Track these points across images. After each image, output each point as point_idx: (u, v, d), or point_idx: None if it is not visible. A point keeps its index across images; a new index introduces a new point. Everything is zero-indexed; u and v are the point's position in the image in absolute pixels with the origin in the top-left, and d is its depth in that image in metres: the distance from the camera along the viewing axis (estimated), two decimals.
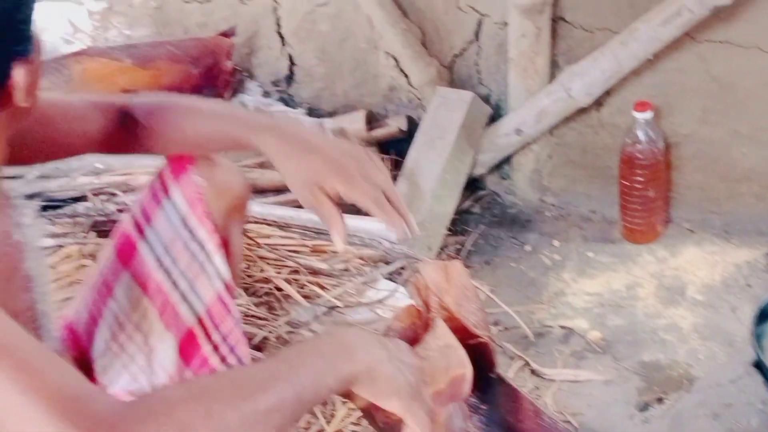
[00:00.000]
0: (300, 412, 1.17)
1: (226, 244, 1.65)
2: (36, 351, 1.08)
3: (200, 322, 1.62)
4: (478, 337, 1.92)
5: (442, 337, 1.74)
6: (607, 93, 2.78)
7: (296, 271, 2.55)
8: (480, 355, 1.93)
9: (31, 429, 1.02)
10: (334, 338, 1.25)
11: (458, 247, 2.83)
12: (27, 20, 1.21)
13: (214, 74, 3.26)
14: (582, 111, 2.83)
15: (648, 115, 2.63)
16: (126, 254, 1.61)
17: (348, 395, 1.29)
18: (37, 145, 1.53)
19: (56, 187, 2.73)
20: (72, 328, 1.71)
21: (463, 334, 1.87)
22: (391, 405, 1.25)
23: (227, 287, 1.61)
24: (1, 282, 1.26)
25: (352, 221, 2.62)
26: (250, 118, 1.58)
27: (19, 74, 1.19)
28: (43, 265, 1.44)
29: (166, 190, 1.60)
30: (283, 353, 1.25)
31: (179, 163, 1.61)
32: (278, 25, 3.34)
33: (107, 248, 1.68)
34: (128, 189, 2.66)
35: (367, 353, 1.23)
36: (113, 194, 2.67)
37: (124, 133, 1.61)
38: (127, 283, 1.60)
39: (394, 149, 3.10)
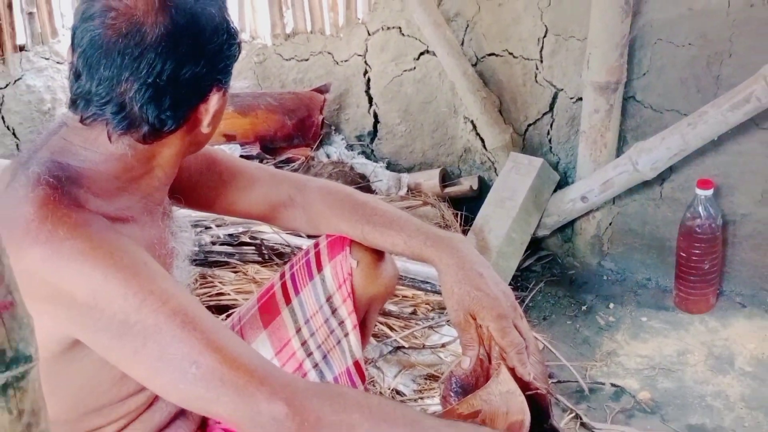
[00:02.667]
0: None
1: (362, 326, 1.63)
2: (221, 325, 1.23)
3: None
4: (536, 388, 1.90)
5: (504, 383, 1.72)
6: (671, 169, 2.77)
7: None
8: (537, 405, 1.91)
9: (217, 380, 1.14)
10: None
11: (519, 302, 2.81)
12: (233, 57, 1.29)
13: (306, 126, 3.31)
14: (645, 184, 2.82)
15: (709, 192, 2.61)
16: (268, 315, 1.60)
17: None
18: (200, 186, 1.59)
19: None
20: None
21: (521, 384, 1.86)
22: None
23: (356, 364, 1.60)
24: None
25: (422, 268, 2.66)
26: (430, 231, 1.54)
27: (213, 100, 1.27)
28: (186, 270, 1.47)
29: (319, 267, 1.59)
30: (455, 423, 1.28)
31: (338, 242, 1.59)
32: (367, 85, 3.39)
33: (249, 304, 1.68)
34: (222, 224, 2.70)
35: None
36: (207, 227, 2.71)
37: (289, 209, 1.63)
38: (262, 341, 1.60)
39: (465, 206, 3.11)
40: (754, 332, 2.62)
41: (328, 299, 1.56)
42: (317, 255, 1.59)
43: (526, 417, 1.84)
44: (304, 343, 1.55)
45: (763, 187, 2.68)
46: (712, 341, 2.59)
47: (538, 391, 1.91)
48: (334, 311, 1.56)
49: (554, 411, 2.14)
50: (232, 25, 1.28)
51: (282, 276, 1.61)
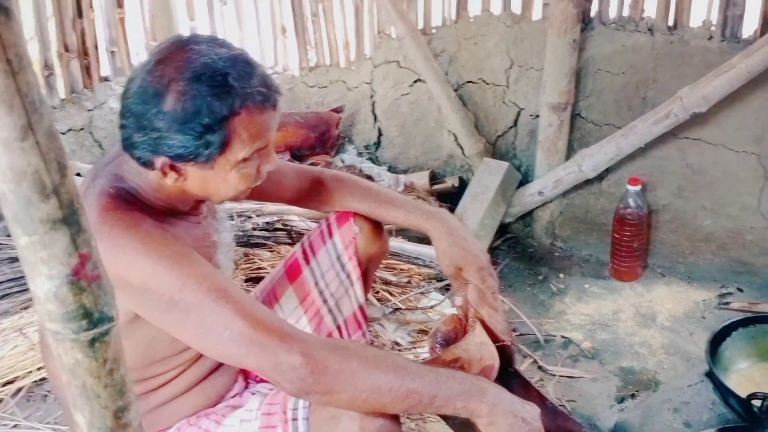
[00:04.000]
0: (424, 408, 1.21)
1: (364, 277, 1.67)
2: (248, 297, 1.23)
3: (338, 329, 1.65)
4: (503, 340, 1.91)
5: (478, 336, 1.73)
6: (608, 170, 2.76)
7: (373, 281, 2.56)
8: (503, 354, 1.92)
9: (245, 340, 1.15)
10: (477, 380, 1.26)
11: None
12: (197, 149, 1.20)
13: (325, 138, 3.31)
14: (587, 182, 2.82)
15: (637, 187, 2.61)
16: (293, 274, 1.64)
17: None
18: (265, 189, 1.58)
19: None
20: None
21: (492, 337, 1.86)
22: None
23: (361, 307, 1.64)
24: None
25: (417, 247, 2.67)
26: (424, 207, 1.59)
27: (158, 164, 1.23)
28: (229, 259, 1.48)
29: (330, 234, 1.63)
30: (434, 368, 1.26)
31: (344, 214, 1.63)
32: (373, 106, 3.39)
33: (277, 269, 1.70)
34: (261, 213, 2.71)
35: (495, 400, 1.21)
36: (249, 216, 2.71)
37: (311, 194, 1.64)
38: (290, 294, 1.63)
39: (448, 200, 3.11)
40: (672, 295, 2.62)
41: (338, 258, 1.60)
42: (328, 226, 1.63)
43: (496, 362, 1.85)
44: (321, 293, 1.57)
45: (678, 184, 2.68)
46: (639, 303, 2.59)
47: (504, 343, 1.92)
48: (342, 266, 1.59)
49: (516, 358, 2.15)
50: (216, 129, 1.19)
51: (302, 244, 1.64)
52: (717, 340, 1.81)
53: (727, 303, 2.53)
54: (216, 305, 1.15)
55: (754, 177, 2.54)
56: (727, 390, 1.64)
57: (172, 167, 1.22)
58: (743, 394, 1.55)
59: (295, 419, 1.30)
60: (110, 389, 0.74)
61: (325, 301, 1.60)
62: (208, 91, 1.18)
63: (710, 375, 1.72)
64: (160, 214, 1.27)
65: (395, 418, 1.25)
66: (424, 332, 2.39)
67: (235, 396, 1.50)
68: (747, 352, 1.85)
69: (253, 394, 1.49)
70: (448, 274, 1.55)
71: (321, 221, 1.68)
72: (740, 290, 2.60)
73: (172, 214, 1.31)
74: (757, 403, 1.44)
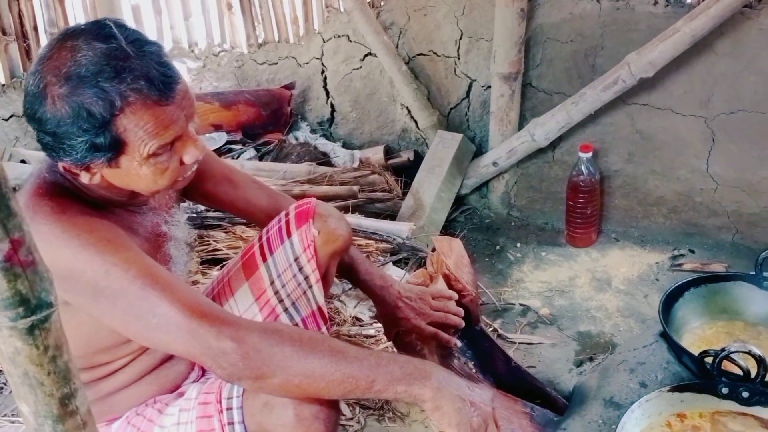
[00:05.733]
0: (363, 394, 1.17)
1: (326, 275, 1.61)
2: (178, 281, 1.20)
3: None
4: (469, 293, 1.92)
5: (440, 287, 1.75)
6: (560, 138, 2.78)
7: None
8: (470, 310, 1.93)
9: (173, 326, 1.13)
10: (422, 364, 1.22)
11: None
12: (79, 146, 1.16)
13: (278, 115, 3.27)
14: (541, 151, 2.83)
15: (589, 154, 2.63)
16: (249, 270, 1.58)
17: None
18: (216, 195, 1.56)
19: None
20: None
21: (460, 289, 1.87)
22: None
23: (320, 308, 1.57)
24: (151, 254, 1.29)
25: (374, 222, 2.65)
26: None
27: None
28: (182, 252, 1.44)
29: (288, 233, 1.57)
30: (375, 352, 1.23)
31: (303, 214, 1.56)
32: (324, 82, 3.35)
33: (235, 260, 1.65)
34: None
35: (440, 384, 1.17)
36: None
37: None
38: (245, 290, 1.58)
39: (405, 174, 3.10)
40: (626, 259, 2.66)
41: (296, 259, 1.53)
42: (287, 224, 1.57)
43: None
44: (276, 293, 1.52)
45: (629, 149, 2.71)
46: (594, 268, 2.63)
47: (470, 295, 1.93)
48: (300, 268, 1.53)
49: (481, 317, 2.16)
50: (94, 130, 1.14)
51: (260, 239, 1.60)
52: (669, 301, 1.83)
53: (679, 264, 2.58)
54: (142, 291, 1.13)
55: (702, 140, 2.58)
56: (680, 349, 1.67)
57: (83, 167, 1.18)
58: (696, 352, 1.59)
59: (229, 408, 1.28)
60: (54, 376, 0.72)
61: (281, 301, 1.54)
62: (83, 93, 1.12)
63: (664, 335, 1.75)
64: (95, 203, 1.24)
65: (333, 403, 1.24)
66: None
67: (191, 383, 1.48)
68: (699, 312, 1.88)
69: (204, 383, 1.46)
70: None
71: (281, 215, 1.62)
72: (692, 251, 2.66)
73: (111, 203, 1.28)
74: (709, 360, 1.48)
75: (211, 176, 1.54)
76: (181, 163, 1.24)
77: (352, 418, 1.95)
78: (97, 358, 1.32)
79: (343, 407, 1.98)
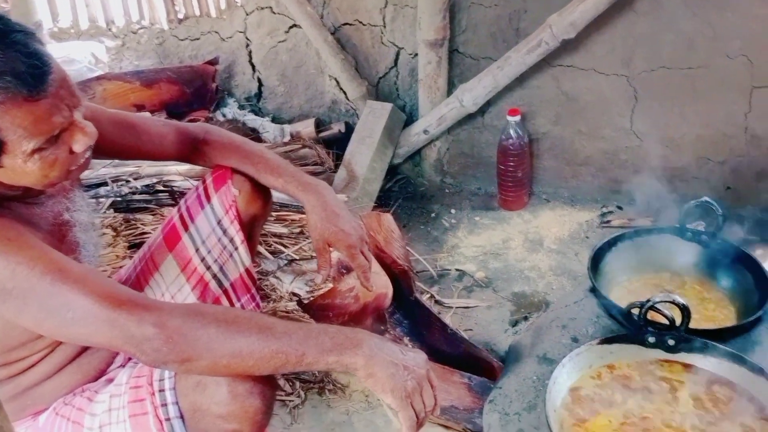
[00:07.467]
0: (294, 367, 1.15)
1: (250, 239, 1.60)
2: (90, 272, 1.15)
3: (225, 293, 1.57)
4: (400, 266, 1.92)
5: (372, 266, 1.74)
6: (488, 103, 2.80)
7: (264, 235, 2.51)
8: (403, 282, 1.94)
9: (91, 318, 1.09)
10: (351, 332, 1.20)
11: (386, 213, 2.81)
12: None
13: (202, 93, 3.18)
14: (470, 116, 2.84)
15: (517, 118, 2.65)
16: (172, 241, 1.55)
17: None
18: (123, 146, 1.50)
19: (83, 176, 2.62)
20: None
21: (390, 262, 1.87)
22: (386, 399, 1.17)
23: (247, 270, 1.56)
24: (56, 245, 1.24)
25: None
26: (302, 178, 1.53)
27: None
28: (91, 236, 1.38)
29: (208, 198, 1.54)
30: (305, 324, 1.20)
31: (221, 176, 1.55)
32: (250, 56, 3.27)
33: (155, 234, 1.61)
34: (139, 176, 2.58)
35: (372, 352, 1.16)
36: (127, 181, 2.58)
37: (195, 155, 1.57)
38: (170, 262, 1.54)
39: (336, 146, 3.08)
40: (557, 219, 2.71)
41: (219, 222, 1.51)
42: (205, 189, 1.54)
43: (389, 290, 1.87)
44: (203, 260, 1.50)
45: (555, 111, 2.74)
46: (527, 229, 2.67)
47: (402, 268, 1.94)
48: (224, 231, 1.51)
49: (416, 289, 2.17)
50: None
51: (178, 209, 1.56)
52: (598, 258, 1.87)
53: (608, 221, 2.64)
54: (53, 287, 1.09)
55: (625, 99, 2.63)
56: (608, 302, 1.71)
57: None
58: (623, 305, 1.62)
59: (162, 390, 1.25)
60: None
61: (208, 268, 1.52)
62: None
63: (593, 290, 1.78)
64: None
65: (268, 377, 1.22)
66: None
67: (118, 368, 1.44)
68: (626, 266, 1.92)
69: (133, 367, 1.43)
70: (316, 248, 1.52)
71: (197, 183, 1.60)
72: (620, 208, 2.72)
73: (5, 198, 1.21)
74: (635, 311, 1.51)
75: (111, 132, 1.47)
76: (72, 152, 1.19)
77: (291, 393, 1.93)
78: (13, 354, 1.27)
79: (283, 382, 1.97)
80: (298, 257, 2.44)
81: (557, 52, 2.58)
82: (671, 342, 1.48)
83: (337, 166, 2.90)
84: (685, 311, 1.46)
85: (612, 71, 2.61)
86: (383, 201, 2.89)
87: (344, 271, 2.01)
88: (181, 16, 3.33)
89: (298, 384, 1.96)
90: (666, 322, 1.48)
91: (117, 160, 2.67)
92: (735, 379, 1.44)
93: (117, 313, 1.09)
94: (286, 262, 2.44)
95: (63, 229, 1.30)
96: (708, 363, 1.48)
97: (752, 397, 1.40)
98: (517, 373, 1.69)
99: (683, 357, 1.49)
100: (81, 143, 1.18)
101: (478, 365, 1.86)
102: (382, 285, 1.84)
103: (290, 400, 1.92)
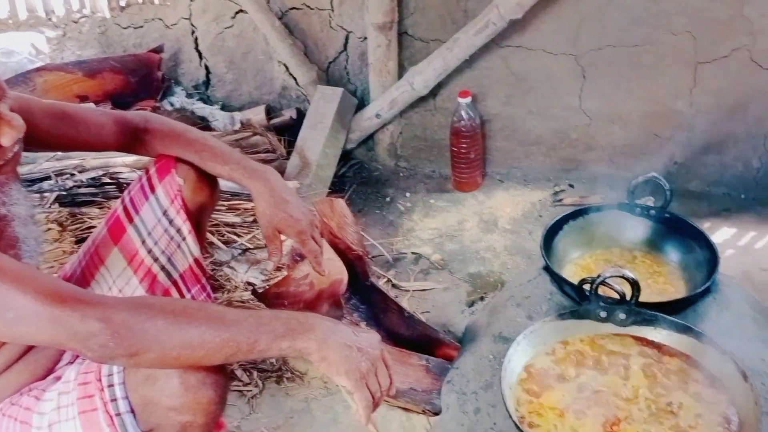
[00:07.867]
0: (247, 355, 1.13)
1: (198, 228, 1.57)
2: (29, 269, 1.11)
3: (175, 284, 1.53)
4: (355, 251, 1.91)
5: (326, 252, 1.73)
6: (439, 85, 2.79)
7: (217, 224, 2.47)
8: (358, 267, 1.93)
9: (33, 316, 1.06)
10: (302, 317, 1.17)
11: (341, 199, 2.79)
12: None
13: (148, 82, 3.11)
14: (422, 99, 2.84)
15: (468, 100, 2.66)
16: (116, 234, 1.50)
17: None
18: (58, 137, 1.45)
19: (26, 171, 2.55)
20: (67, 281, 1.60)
21: (345, 248, 1.86)
22: (341, 382, 1.16)
23: (197, 261, 1.53)
24: None
25: None
26: (248, 165, 1.51)
27: None
28: (32, 230, 1.33)
29: (152, 188, 1.50)
30: (256, 312, 1.17)
31: (164, 166, 1.51)
32: (196, 43, 3.21)
33: (99, 228, 1.56)
34: (84, 169, 2.51)
35: (324, 336, 1.14)
36: (72, 174, 2.51)
37: (136, 144, 1.53)
38: (115, 255, 1.50)
39: (288, 133, 3.03)
40: (510, 199, 2.72)
41: (164, 213, 1.48)
42: (149, 179, 1.50)
43: (344, 276, 1.86)
44: (150, 251, 1.46)
45: (506, 92, 2.75)
46: (481, 210, 2.68)
47: (357, 253, 1.93)
48: (171, 221, 1.48)
49: (372, 273, 2.16)
50: None
51: (122, 201, 1.52)
52: (550, 236, 1.89)
53: (560, 200, 2.67)
54: None
55: (573, 77, 2.65)
56: (561, 279, 1.73)
57: None
58: (575, 281, 1.64)
59: (111, 385, 1.22)
60: None
61: (156, 259, 1.48)
62: None
63: (546, 268, 1.80)
64: None
65: (220, 367, 1.20)
66: (277, 268, 2.34)
67: (66, 365, 1.40)
68: (578, 243, 1.95)
69: (82, 364, 1.39)
70: (265, 235, 1.50)
71: (141, 173, 1.56)
72: (571, 186, 2.75)
73: None
74: (587, 287, 1.53)
75: (45, 123, 1.42)
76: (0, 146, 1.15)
77: (249, 383, 1.91)
78: None
79: (240, 372, 1.94)
80: (252, 246, 2.41)
81: (505, 32, 2.59)
82: (622, 316, 1.51)
83: (289, 153, 2.86)
84: (634, 285, 1.48)
85: (560, 50, 2.63)
86: (337, 187, 2.87)
87: (298, 259, 1.99)
88: (123, 3, 3.25)
89: (255, 373, 1.94)
90: (617, 296, 1.50)
91: (60, 153, 2.62)
92: (685, 349, 1.47)
93: (59, 310, 1.05)
94: (239, 251, 2.41)
95: (0, 224, 1.25)
96: (658, 335, 1.51)
97: (702, 367, 1.44)
98: (474, 353, 1.70)
99: (634, 330, 1.52)
100: (8, 137, 1.14)
101: (436, 347, 1.86)
102: (336, 271, 1.83)
103: (248, 390, 1.90)
